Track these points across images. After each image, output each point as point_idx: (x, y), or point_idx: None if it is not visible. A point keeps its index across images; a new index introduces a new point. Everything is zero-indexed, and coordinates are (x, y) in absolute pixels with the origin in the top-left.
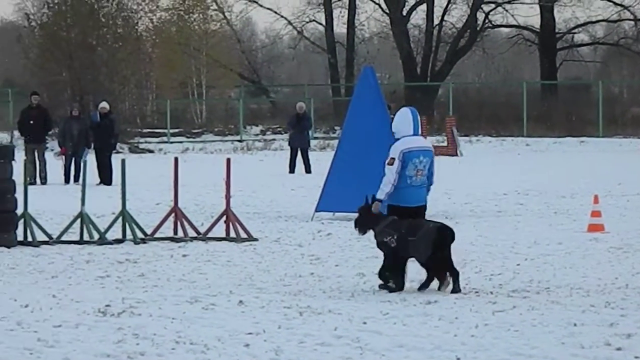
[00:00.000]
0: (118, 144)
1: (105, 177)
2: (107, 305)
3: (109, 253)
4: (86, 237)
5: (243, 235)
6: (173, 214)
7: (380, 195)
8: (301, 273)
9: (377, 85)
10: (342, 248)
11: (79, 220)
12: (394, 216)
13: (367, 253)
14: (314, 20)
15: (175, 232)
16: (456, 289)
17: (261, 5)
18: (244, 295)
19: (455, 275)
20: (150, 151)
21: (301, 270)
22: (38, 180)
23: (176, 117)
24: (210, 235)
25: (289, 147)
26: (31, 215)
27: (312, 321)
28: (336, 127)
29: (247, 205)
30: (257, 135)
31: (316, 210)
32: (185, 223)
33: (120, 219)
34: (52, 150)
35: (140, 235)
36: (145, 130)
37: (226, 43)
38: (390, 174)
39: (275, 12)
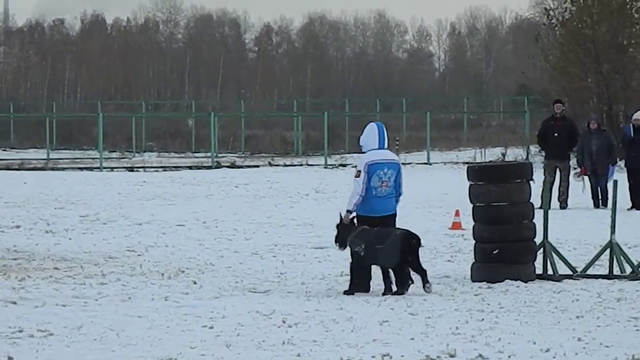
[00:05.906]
0: None
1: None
2: None
3: None
4: (616, 271)
5: None
6: None
7: (349, 206)
8: None
9: None
10: None
11: (607, 251)
12: (364, 226)
13: None
14: None
15: None
16: (426, 289)
17: None
18: None
19: (423, 273)
20: None
21: None
22: (557, 204)
23: None
24: None
25: None
26: (552, 245)
27: None
28: None
29: None
30: None
31: None
32: None
33: None
34: (575, 169)
35: None
36: None
37: None
38: (357, 185)
39: None
